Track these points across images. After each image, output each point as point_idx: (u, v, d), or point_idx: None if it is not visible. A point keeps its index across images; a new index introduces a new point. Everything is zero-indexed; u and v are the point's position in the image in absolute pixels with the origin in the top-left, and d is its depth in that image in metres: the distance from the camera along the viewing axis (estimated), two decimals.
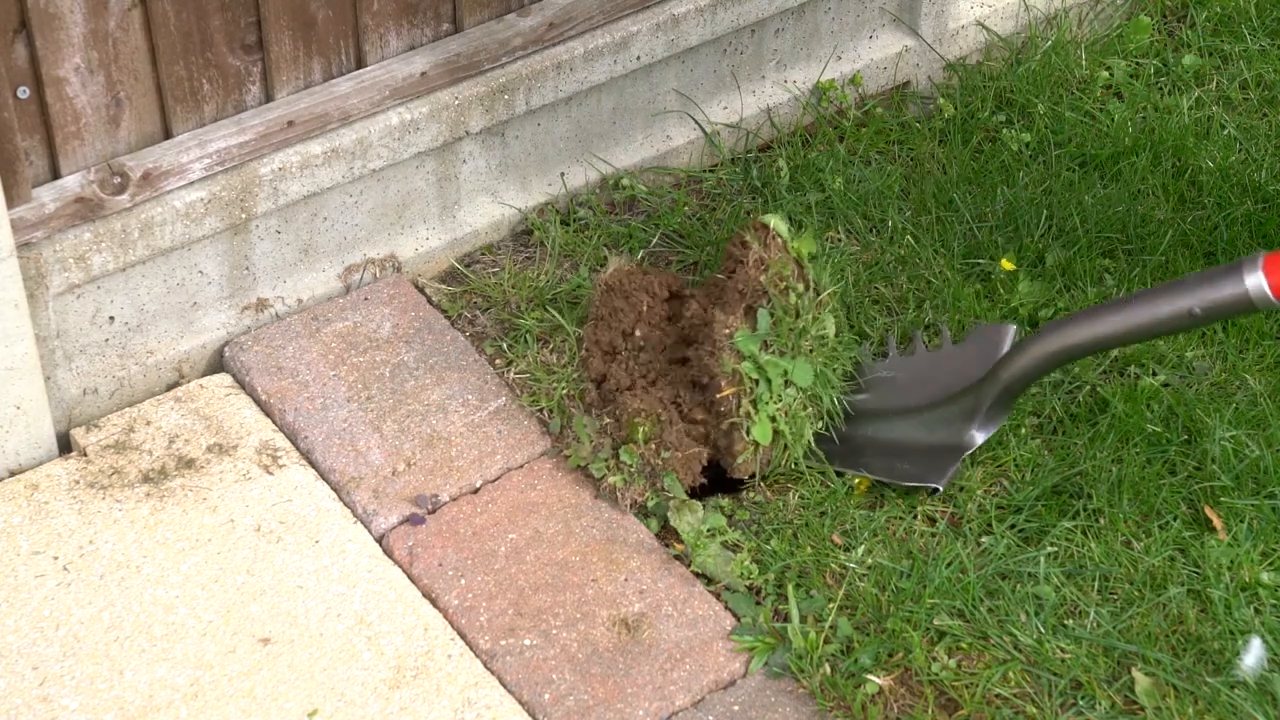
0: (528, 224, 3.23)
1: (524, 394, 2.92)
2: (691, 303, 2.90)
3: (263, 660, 2.55)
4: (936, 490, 2.77)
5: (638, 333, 2.91)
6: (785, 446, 2.78)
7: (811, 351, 2.79)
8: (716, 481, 2.86)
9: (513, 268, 3.14)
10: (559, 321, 3.01)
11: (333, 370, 2.94)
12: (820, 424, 2.82)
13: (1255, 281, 2.49)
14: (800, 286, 2.80)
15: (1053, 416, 2.93)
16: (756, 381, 2.74)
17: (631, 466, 2.78)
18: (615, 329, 2.92)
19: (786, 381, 2.75)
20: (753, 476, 2.80)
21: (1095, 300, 3.13)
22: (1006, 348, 2.93)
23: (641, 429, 2.79)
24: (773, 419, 2.75)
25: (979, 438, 2.81)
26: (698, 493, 2.82)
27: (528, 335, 2.99)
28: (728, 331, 2.76)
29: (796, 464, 2.80)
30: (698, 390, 2.81)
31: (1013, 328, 2.96)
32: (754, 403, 2.74)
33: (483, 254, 3.19)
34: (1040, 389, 2.97)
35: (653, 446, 2.79)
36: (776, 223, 2.83)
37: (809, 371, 2.77)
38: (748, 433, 2.74)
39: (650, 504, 2.76)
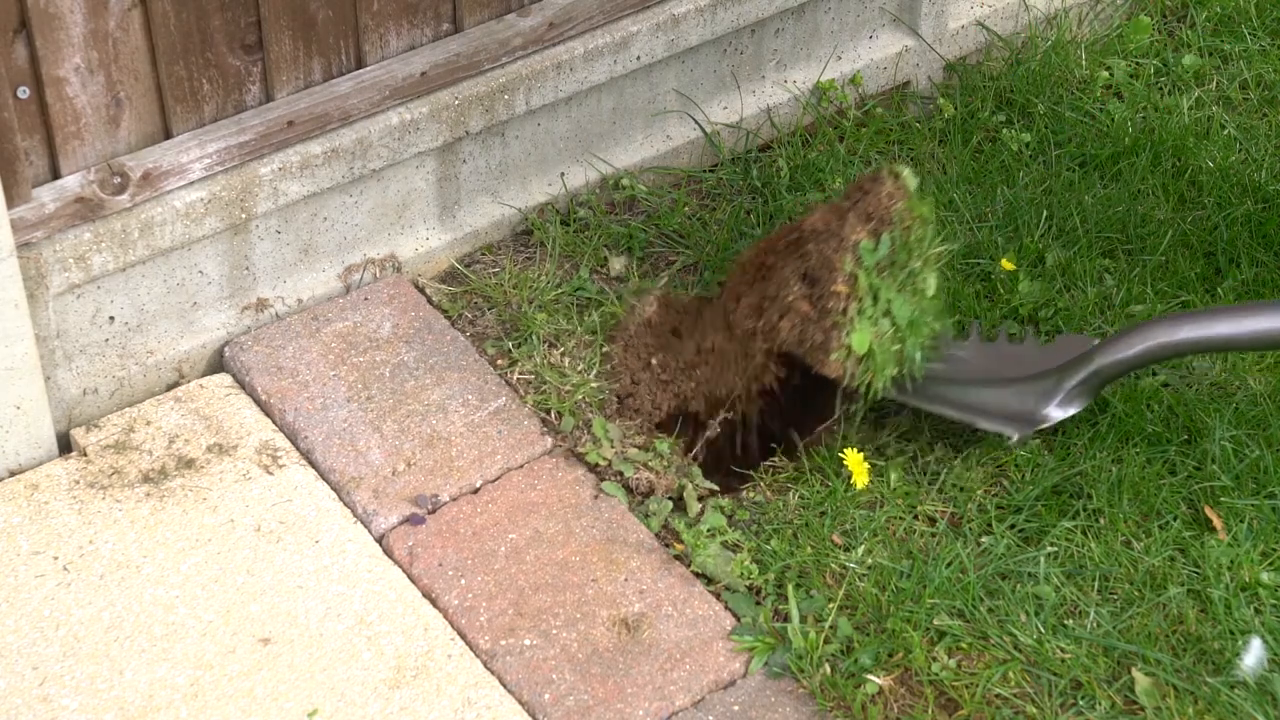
0: (528, 224, 3.23)
1: (530, 393, 2.92)
2: (812, 215, 2.86)
3: (263, 660, 2.55)
4: (1012, 439, 2.77)
5: (654, 361, 2.97)
6: (869, 370, 2.77)
7: (914, 296, 2.82)
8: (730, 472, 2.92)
9: (513, 268, 3.14)
10: (565, 325, 3.01)
11: (333, 370, 2.94)
12: (900, 369, 2.80)
13: None
14: (922, 232, 2.82)
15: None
16: (864, 295, 2.75)
17: (664, 459, 2.82)
18: (645, 358, 2.98)
19: (887, 311, 2.76)
20: (837, 381, 2.78)
21: (1095, 300, 3.13)
22: None
23: (667, 441, 2.86)
24: (849, 336, 2.76)
25: (1056, 414, 2.79)
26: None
27: (534, 336, 2.99)
28: (856, 238, 2.76)
29: (874, 394, 2.79)
30: (806, 283, 2.79)
31: (1096, 341, 2.95)
32: (860, 312, 2.74)
33: (483, 254, 3.19)
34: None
35: (676, 455, 2.85)
36: (908, 175, 2.84)
37: (908, 310, 2.78)
38: (846, 335, 2.74)
39: (680, 487, 2.79)
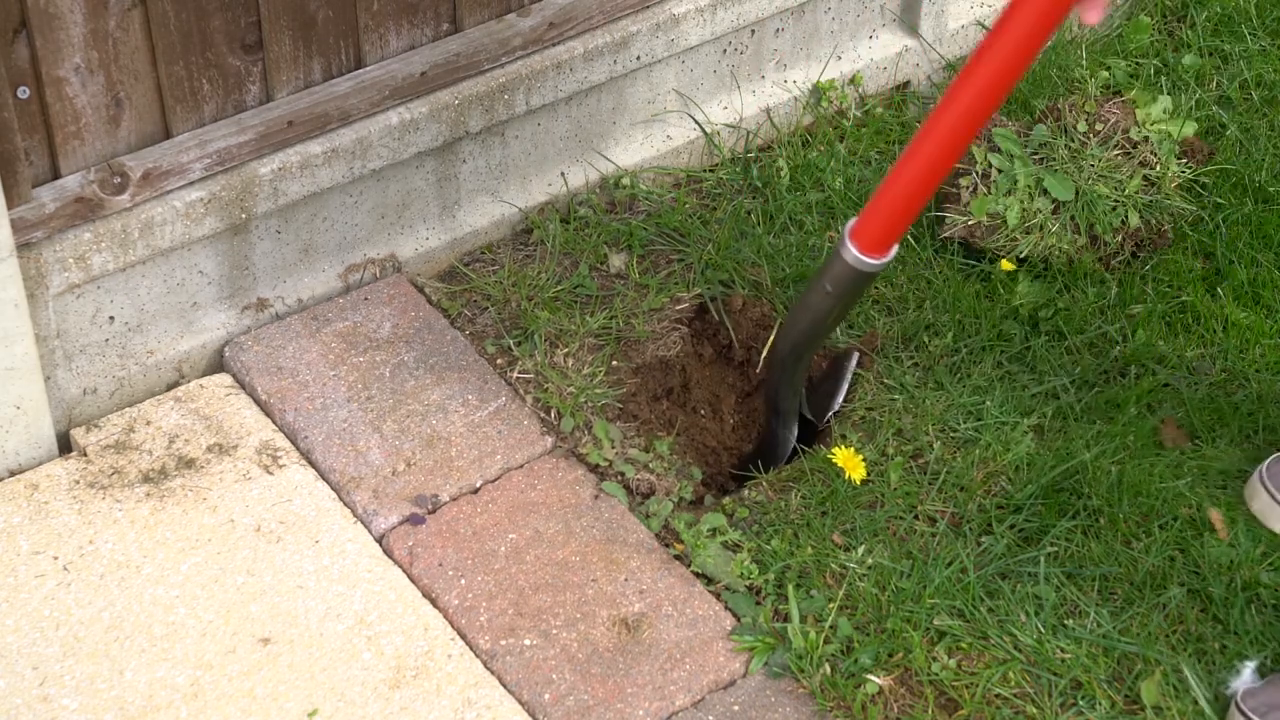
0: (528, 223, 3.23)
1: (531, 391, 2.91)
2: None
3: (263, 660, 2.55)
4: None
5: (664, 404, 3.01)
6: (1010, 236, 3.13)
7: (1097, 178, 3.12)
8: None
9: (513, 266, 3.14)
10: (568, 325, 3.01)
11: (333, 370, 2.94)
12: (1080, 239, 3.12)
13: (850, 252, 2.57)
14: (1099, 126, 3.21)
15: (1053, 416, 2.93)
16: (1000, 172, 3.15)
17: (665, 460, 2.83)
18: (658, 388, 3.01)
19: (1042, 189, 3.14)
20: (961, 243, 3.20)
21: (1095, 300, 3.13)
22: None
23: (667, 440, 2.87)
24: (1003, 210, 3.12)
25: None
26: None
27: (535, 335, 2.99)
28: (994, 127, 3.22)
29: (1043, 255, 3.15)
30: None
31: None
32: (989, 187, 3.15)
33: (483, 252, 3.19)
34: (1041, 388, 2.97)
35: (675, 456, 2.86)
36: (1138, 93, 3.23)
37: (1069, 188, 3.12)
38: (965, 205, 3.17)
39: (685, 493, 2.79)
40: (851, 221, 2.58)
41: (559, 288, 3.09)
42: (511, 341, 3.00)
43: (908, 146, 2.47)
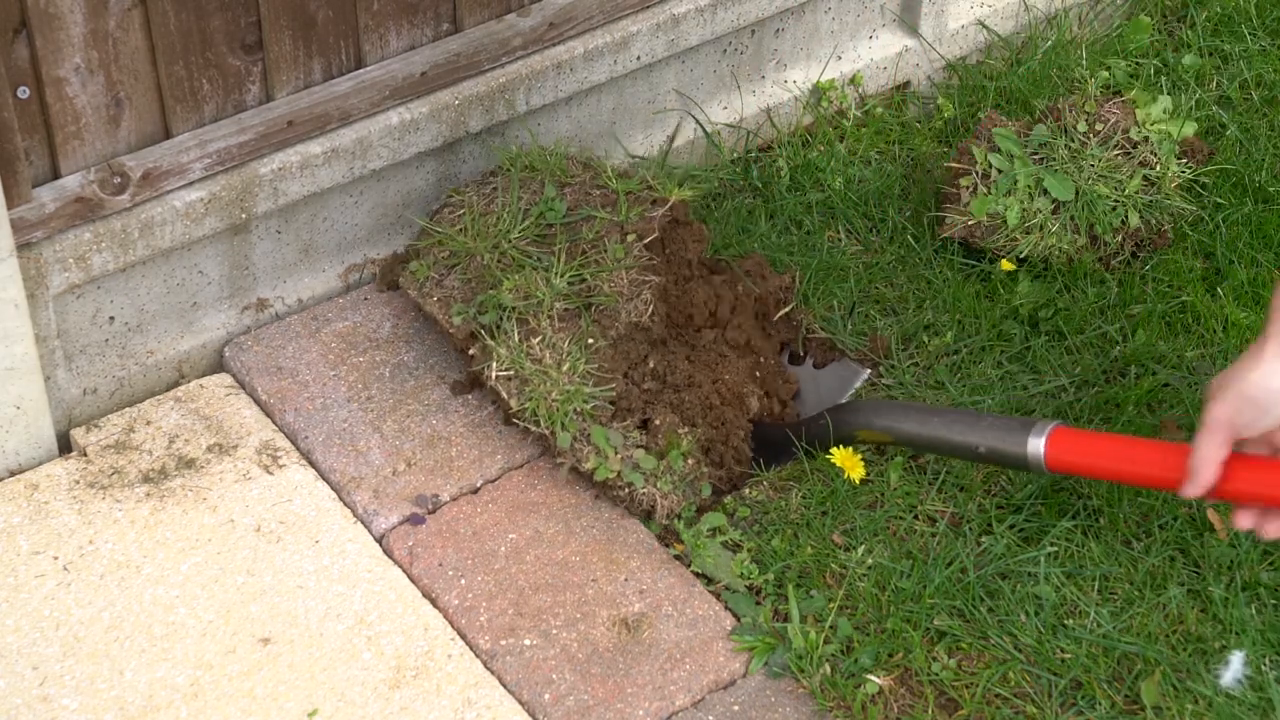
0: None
1: (514, 394, 2.77)
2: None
3: (263, 660, 2.55)
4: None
5: (651, 362, 2.86)
6: (1010, 236, 3.13)
7: (1097, 178, 3.12)
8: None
9: (479, 204, 2.95)
10: (533, 291, 2.80)
11: (333, 370, 2.94)
12: (1080, 239, 3.13)
13: (1035, 446, 2.57)
14: (1099, 126, 3.19)
15: (1053, 416, 2.93)
16: (1000, 173, 3.13)
17: (675, 474, 2.74)
18: (637, 354, 2.85)
19: (1042, 189, 3.11)
20: (961, 243, 3.19)
21: (1095, 300, 3.13)
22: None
23: (683, 443, 2.76)
24: (1003, 209, 3.11)
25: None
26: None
27: (504, 314, 2.80)
28: (994, 127, 3.20)
29: (1044, 254, 3.13)
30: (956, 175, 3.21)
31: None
32: (989, 187, 3.13)
33: (450, 196, 3.04)
34: (1041, 388, 2.97)
35: (691, 462, 2.77)
36: (1138, 93, 3.23)
37: (1069, 188, 3.11)
38: (965, 205, 3.15)
39: (685, 514, 2.74)
40: (1058, 426, 2.56)
41: (524, 225, 2.89)
42: (480, 324, 2.81)
43: (1164, 444, 2.44)
